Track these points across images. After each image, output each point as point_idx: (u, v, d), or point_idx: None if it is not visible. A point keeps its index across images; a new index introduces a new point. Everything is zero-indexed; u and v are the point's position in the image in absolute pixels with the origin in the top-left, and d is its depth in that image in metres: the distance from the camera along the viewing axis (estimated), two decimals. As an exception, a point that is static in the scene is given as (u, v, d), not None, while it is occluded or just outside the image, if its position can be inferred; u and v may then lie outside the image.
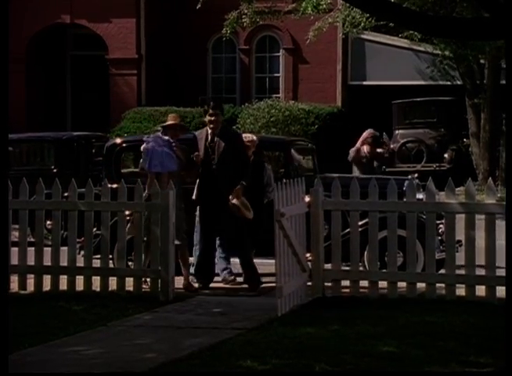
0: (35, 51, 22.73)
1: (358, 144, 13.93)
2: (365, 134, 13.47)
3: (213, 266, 9.62)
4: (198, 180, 9.54)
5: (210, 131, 9.59)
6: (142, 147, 9.59)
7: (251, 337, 7.14)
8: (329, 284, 8.92)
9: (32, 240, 9.76)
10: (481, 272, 8.58)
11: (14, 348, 6.78)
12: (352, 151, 12.20)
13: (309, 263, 8.93)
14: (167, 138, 9.52)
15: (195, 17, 21.95)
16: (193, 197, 9.61)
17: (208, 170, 9.45)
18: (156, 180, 9.26)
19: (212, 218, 9.44)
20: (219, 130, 9.55)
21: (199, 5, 18.12)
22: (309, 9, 17.65)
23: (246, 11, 18.40)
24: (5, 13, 6.45)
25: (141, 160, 9.68)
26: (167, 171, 9.39)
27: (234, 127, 18.98)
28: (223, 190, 9.30)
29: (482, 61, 20.12)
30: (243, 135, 10.13)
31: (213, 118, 9.51)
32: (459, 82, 20.90)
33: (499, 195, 8.82)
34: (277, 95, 22.76)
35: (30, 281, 9.43)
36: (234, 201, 9.23)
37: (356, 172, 12.36)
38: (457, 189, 8.93)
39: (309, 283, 8.90)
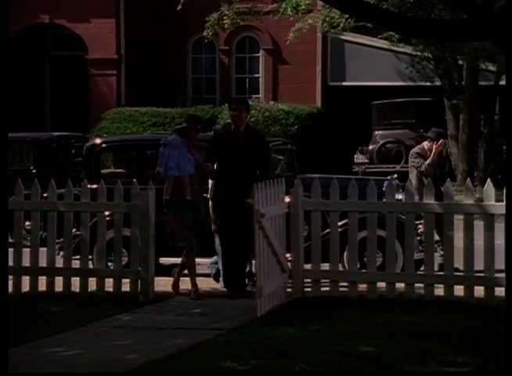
0: (14, 51, 22.61)
1: (433, 156, 12.15)
2: (439, 146, 11.74)
3: (243, 272, 9.12)
4: (215, 179, 9.11)
5: (233, 127, 9.19)
6: (159, 150, 9.30)
7: (231, 337, 7.15)
8: (310, 284, 8.94)
9: (11, 240, 9.71)
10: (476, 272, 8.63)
11: (-7, 350, 6.75)
12: (427, 164, 10.82)
13: (289, 263, 8.95)
14: (183, 139, 9.17)
15: (175, 18, 21.93)
16: (209, 195, 9.28)
17: (230, 169, 8.98)
18: (177, 184, 9.00)
19: (232, 220, 8.92)
20: (244, 128, 9.13)
21: (179, 6, 18.12)
22: (289, 9, 17.70)
23: (226, 12, 18.41)
24: (5, 13, 6.42)
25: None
26: (186, 174, 9.05)
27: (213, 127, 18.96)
28: (245, 191, 8.71)
29: (461, 62, 20.25)
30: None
31: (235, 113, 9.10)
32: (438, 83, 21.02)
33: (477, 195, 8.88)
34: (257, 96, 22.78)
35: (9, 282, 9.37)
36: (250, 201, 8.63)
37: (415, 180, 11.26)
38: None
39: (289, 284, 8.93)
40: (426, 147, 11.06)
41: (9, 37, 6.97)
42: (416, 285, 8.70)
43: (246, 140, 9.00)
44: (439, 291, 8.62)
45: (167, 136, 9.51)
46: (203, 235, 9.13)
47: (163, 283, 9.35)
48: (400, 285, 8.76)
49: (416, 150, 11.32)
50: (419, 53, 20.47)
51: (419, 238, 9.71)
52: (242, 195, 8.79)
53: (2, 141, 6.23)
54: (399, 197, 9.77)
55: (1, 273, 6.06)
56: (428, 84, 21.51)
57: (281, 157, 12.03)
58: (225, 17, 18.43)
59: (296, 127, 20.96)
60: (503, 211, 8.40)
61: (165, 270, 9.96)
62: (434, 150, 10.85)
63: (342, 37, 21.84)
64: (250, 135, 9.09)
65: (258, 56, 23.35)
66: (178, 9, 18.20)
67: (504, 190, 8.06)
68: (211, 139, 9.43)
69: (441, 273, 8.65)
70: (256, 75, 23.41)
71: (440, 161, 10.96)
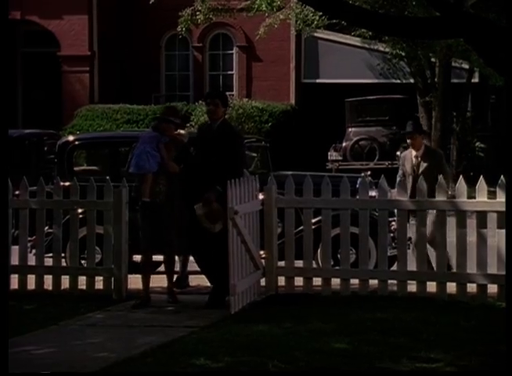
0: (-15, 47, 22.41)
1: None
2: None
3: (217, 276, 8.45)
4: (183, 178, 8.50)
5: (208, 122, 8.70)
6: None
7: (204, 335, 7.14)
8: (283, 282, 8.95)
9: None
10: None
11: (-36, 349, 6.69)
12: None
13: (263, 261, 8.95)
14: (154, 134, 8.61)
15: (148, 14, 21.86)
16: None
17: (199, 166, 8.39)
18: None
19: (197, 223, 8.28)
20: (218, 124, 8.45)
21: (152, 0, 18.03)
22: (263, 6, 17.68)
23: (200, 8, 18.38)
24: (5, 13, 6.37)
25: None
26: (145, 172, 8.45)
27: (187, 125, 18.94)
28: (195, 194, 8.22)
29: (433, 60, 20.35)
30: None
31: (211, 107, 8.48)
32: (410, 80, 21.11)
33: (449, 192, 8.93)
34: (231, 93, 22.76)
35: (-19, 281, 9.30)
36: (198, 209, 8.16)
37: None
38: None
39: (263, 281, 8.93)
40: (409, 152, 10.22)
41: (8, 40, 6.89)
42: (389, 282, 8.73)
43: (219, 136, 8.40)
44: (412, 287, 8.65)
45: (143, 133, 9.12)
46: (174, 236, 8.49)
47: (136, 281, 9.31)
48: (373, 282, 8.79)
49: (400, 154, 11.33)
50: (391, 50, 20.55)
51: (392, 235, 9.75)
52: (194, 200, 8.24)
53: (2, 140, 6.18)
54: (372, 194, 9.81)
55: (1, 273, 6.00)
56: (401, 81, 21.60)
57: (255, 155, 12.02)
58: (198, 13, 18.40)
59: (270, 124, 20.97)
60: (475, 208, 8.49)
61: (138, 268, 9.92)
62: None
63: (315, 34, 21.87)
64: (224, 132, 8.46)
65: (232, 53, 23.34)
66: (150, 2, 18.10)
67: (499, 190, 8.18)
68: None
69: (414, 270, 8.69)
70: (230, 72, 23.39)
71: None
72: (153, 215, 8.47)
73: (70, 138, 11.99)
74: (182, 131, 8.96)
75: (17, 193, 9.53)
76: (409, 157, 9.76)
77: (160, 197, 8.50)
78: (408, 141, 9.85)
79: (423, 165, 9.55)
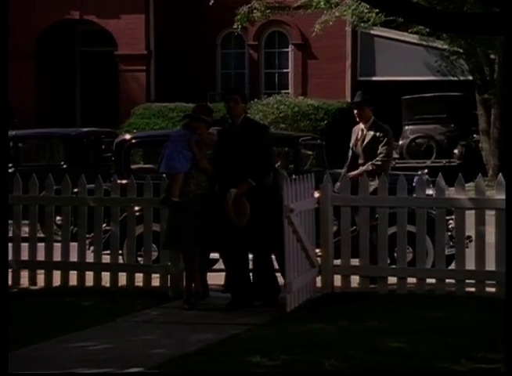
0: (44, 47, 22.76)
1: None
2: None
3: (246, 277, 8.31)
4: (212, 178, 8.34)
5: (230, 121, 8.49)
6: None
7: (259, 332, 7.14)
8: (339, 280, 8.91)
9: (42, 235, 9.78)
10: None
11: (24, 343, 6.80)
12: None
13: (318, 259, 8.91)
14: (185, 132, 8.39)
15: (204, 13, 21.95)
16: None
17: (225, 165, 8.19)
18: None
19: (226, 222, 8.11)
20: (241, 120, 8.29)
21: (212, 1, 17.99)
22: (322, 3, 17.61)
23: (256, 5, 18.39)
24: (5, 13, 6.44)
25: None
26: (176, 172, 8.22)
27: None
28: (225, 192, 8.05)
29: (492, 56, 20.06)
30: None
31: (230, 104, 8.26)
32: (469, 77, 20.85)
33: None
34: (286, 91, 22.74)
35: (40, 277, 9.45)
36: (228, 201, 7.97)
37: None
38: (467, 184, 8.91)
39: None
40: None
41: (8, 39, 6.93)
42: (447, 281, 8.64)
43: (243, 133, 8.17)
44: (470, 286, 8.55)
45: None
46: (201, 237, 8.27)
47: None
48: (430, 281, 8.70)
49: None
50: (449, 47, 20.31)
51: (449, 233, 9.64)
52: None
53: (2, 138, 6.25)
54: (430, 192, 9.70)
55: (1, 273, 6.05)
56: (458, 78, 21.34)
57: (310, 153, 11.99)
58: (255, 11, 18.40)
59: (325, 122, 20.89)
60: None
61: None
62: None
63: (371, 31, 21.73)
64: (249, 127, 8.25)
65: (287, 51, 23.30)
66: (210, 3, 18.12)
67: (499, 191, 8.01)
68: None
69: (473, 269, 8.57)
70: (285, 70, 23.36)
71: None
72: (182, 214, 8.19)
73: (127, 136, 12.10)
74: (212, 131, 8.63)
75: (76, 190, 9.66)
76: (357, 129, 9.58)
77: (189, 195, 8.23)
78: (355, 112, 9.68)
79: (367, 139, 9.38)
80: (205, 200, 8.24)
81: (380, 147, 9.29)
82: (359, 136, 9.46)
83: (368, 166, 9.26)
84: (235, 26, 18.91)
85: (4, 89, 6.29)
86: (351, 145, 9.59)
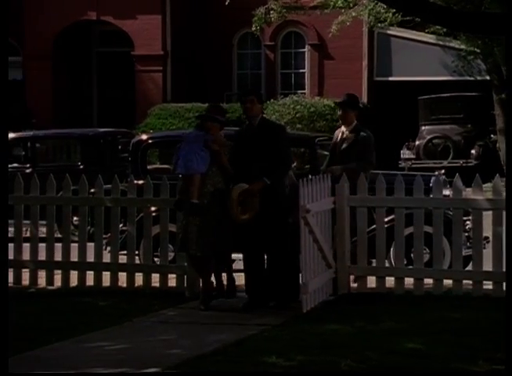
0: (61, 48, 22.85)
1: None
2: None
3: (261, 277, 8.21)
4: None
5: (247, 122, 8.44)
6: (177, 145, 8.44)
7: (276, 333, 7.14)
8: (355, 281, 8.90)
9: (59, 235, 9.82)
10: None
11: (41, 343, 6.83)
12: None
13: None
14: (200, 133, 8.29)
15: (220, 13, 21.97)
16: None
17: (243, 166, 8.18)
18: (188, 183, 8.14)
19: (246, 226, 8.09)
20: (258, 121, 8.29)
21: (228, 1, 18.01)
22: (339, 2, 17.57)
23: (273, 6, 18.36)
24: (5, 14, 6.45)
25: None
26: (194, 173, 8.12)
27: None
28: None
29: (510, 56, 19.92)
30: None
31: (247, 105, 8.24)
32: (486, 77, 20.76)
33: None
34: (302, 91, 22.72)
35: (58, 277, 9.48)
36: (234, 193, 7.89)
37: None
38: (484, 185, 8.87)
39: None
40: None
41: (8, 39, 6.93)
42: (464, 282, 8.60)
43: (260, 133, 8.18)
44: (488, 287, 8.51)
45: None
46: (221, 238, 8.20)
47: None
48: (447, 282, 8.67)
49: None
50: (466, 47, 20.23)
51: (466, 234, 9.60)
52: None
53: (2, 138, 6.27)
54: (446, 192, 9.66)
55: (1, 274, 6.07)
56: (475, 78, 21.26)
57: (326, 153, 11.97)
58: (271, 11, 18.38)
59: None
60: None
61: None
62: None
63: (388, 31, 21.68)
64: (267, 127, 8.27)
65: (304, 52, 23.28)
66: (226, 3, 18.13)
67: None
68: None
69: (490, 270, 8.54)
70: (301, 70, 23.34)
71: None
72: (204, 217, 8.13)
73: (144, 136, 12.13)
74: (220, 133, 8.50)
75: (92, 190, 9.69)
76: (338, 132, 9.25)
77: (207, 197, 8.18)
78: (338, 113, 9.41)
79: (346, 144, 9.00)
80: (222, 200, 8.20)
81: (360, 153, 8.86)
82: (338, 139, 9.15)
83: (353, 164, 8.87)
84: (253, 28, 18.91)
85: (4, 89, 6.30)
86: (330, 147, 9.35)
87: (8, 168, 6.64)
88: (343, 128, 9.25)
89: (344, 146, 9.03)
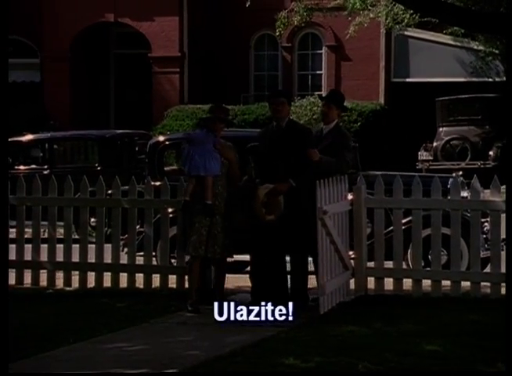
0: (79, 49, 22.94)
1: None
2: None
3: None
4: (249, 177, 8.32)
5: (274, 123, 8.36)
6: (182, 146, 8.49)
7: (293, 335, 7.13)
8: (372, 283, 8.87)
9: (77, 237, 9.85)
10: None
11: (59, 344, 6.85)
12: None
13: (352, 261, 8.88)
14: (208, 133, 8.19)
15: (237, 15, 21.99)
16: None
17: (269, 168, 8.14)
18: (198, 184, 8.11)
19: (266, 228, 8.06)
20: (286, 123, 8.27)
21: (248, 3, 17.85)
22: (357, 4, 17.52)
23: (295, 8, 18.29)
24: (5, 14, 6.46)
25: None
26: (212, 174, 8.10)
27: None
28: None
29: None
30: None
31: (276, 107, 8.23)
32: (504, 78, 20.65)
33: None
34: (319, 93, 22.67)
35: (75, 278, 9.51)
36: (260, 193, 7.91)
37: None
38: (502, 186, 8.82)
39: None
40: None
41: (8, 40, 6.94)
42: (482, 284, 8.56)
43: (288, 135, 8.17)
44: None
45: (192, 131, 8.49)
46: (230, 240, 8.20)
47: (233, 281, 9.29)
48: (465, 284, 8.63)
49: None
50: (485, 48, 20.15)
51: (484, 236, 9.56)
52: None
53: (3, 140, 6.29)
54: (464, 194, 9.62)
55: (1, 274, 6.07)
56: (493, 79, 21.16)
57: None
58: (294, 12, 18.26)
59: (359, 124, 20.82)
60: None
61: (229, 267, 9.97)
62: None
63: (406, 33, 21.63)
64: (294, 130, 8.22)
65: (321, 53, 23.27)
66: (247, 5, 17.99)
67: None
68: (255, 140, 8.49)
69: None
70: (318, 72, 23.32)
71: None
72: (214, 218, 8.11)
73: (161, 138, 12.15)
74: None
75: (110, 192, 9.72)
76: (316, 130, 8.82)
77: (219, 198, 8.17)
78: (322, 108, 8.85)
79: (323, 143, 8.45)
80: (229, 202, 8.21)
81: (337, 154, 8.40)
82: (316, 137, 8.56)
83: (333, 160, 8.41)
84: (276, 33, 18.86)
85: (4, 89, 6.31)
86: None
87: (8, 169, 6.67)
88: (321, 125, 8.87)
89: (322, 146, 8.44)
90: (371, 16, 18.84)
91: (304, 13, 18.38)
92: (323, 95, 9.60)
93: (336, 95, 9.10)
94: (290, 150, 8.12)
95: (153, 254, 9.45)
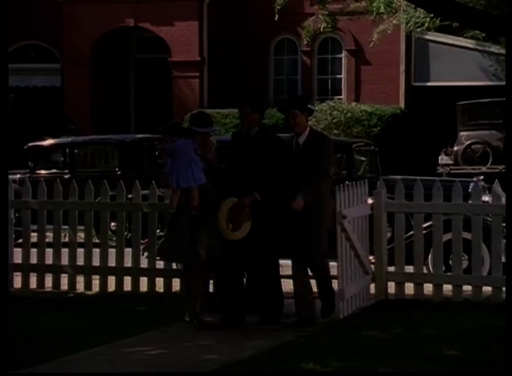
0: (100, 54, 23.03)
1: None
2: None
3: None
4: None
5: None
6: (164, 159, 8.05)
7: (313, 339, 7.11)
8: (393, 287, 8.84)
9: (97, 241, 9.88)
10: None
11: (80, 348, 6.87)
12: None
13: (372, 266, 8.86)
14: (187, 141, 7.83)
15: (257, 19, 22.00)
16: None
17: (235, 180, 7.82)
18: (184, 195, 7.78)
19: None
20: (255, 132, 7.79)
21: (278, 7, 17.53)
22: (382, 8, 17.45)
23: (320, 16, 18.22)
24: (5, 14, 6.47)
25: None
26: (200, 184, 7.77)
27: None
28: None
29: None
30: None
31: (241, 115, 7.94)
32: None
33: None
34: (339, 97, 22.66)
35: (96, 282, 9.54)
36: (223, 207, 7.58)
37: None
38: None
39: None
40: None
41: (8, 40, 6.94)
42: (504, 289, 8.50)
43: (256, 146, 7.72)
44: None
45: (168, 144, 7.90)
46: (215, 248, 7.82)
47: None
48: (487, 289, 8.58)
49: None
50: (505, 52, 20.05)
51: (506, 241, 9.49)
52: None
53: (2, 141, 6.31)
54: (485, 198, 9.57)
55: (1, 274, 6.09)
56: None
57: (364, 159, 11.94)
58: (320, 17, 18.17)
59: (379, 128, 20.76)
60: None
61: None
62: None
63: (426, 36, 21.55)
64: (263, 141, 7.73)
65: (341, 57, 23.23)
66: (276, 11, 17.75)
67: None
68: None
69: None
70: (338, 76, 23.29)
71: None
72: (193, 227, 7.77)
73: (181, 142, 12.13)
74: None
75: (130, 196, 9.74)
76: (290, 143, 7.79)
77: (208, 208, 7.80)
78: (289, 120, 7.79)
79: (303, 157, 7.69)
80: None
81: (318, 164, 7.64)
82: (293, 150, 7.79)
83: (308, 189, 7.62)
84: (304, 42, 18.74)
85: (4, 89, 6.32)
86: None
87: (8, 172, 6.71)
88: (295, 138, 7.81)
89: (302, 159, 7.67)
90: (394, 22, 18.74)
91: (330, 19, 18.30)
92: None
93: (296, 100, 8.20)
94: (258, 161, 7.65)
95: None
